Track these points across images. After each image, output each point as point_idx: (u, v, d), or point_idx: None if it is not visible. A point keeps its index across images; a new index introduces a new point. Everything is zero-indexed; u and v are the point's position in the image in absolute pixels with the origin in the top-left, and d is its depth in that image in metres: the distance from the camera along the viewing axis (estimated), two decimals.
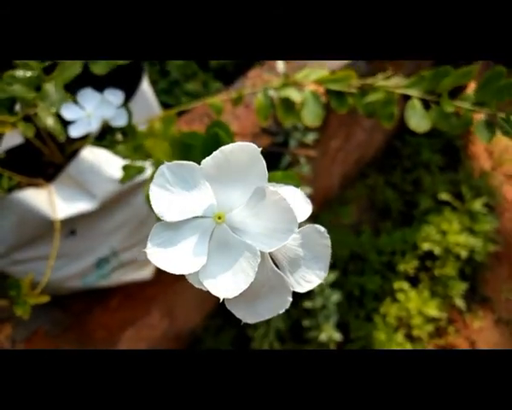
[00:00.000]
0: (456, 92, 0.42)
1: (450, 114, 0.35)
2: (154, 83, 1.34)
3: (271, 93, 0.42)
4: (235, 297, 0.12)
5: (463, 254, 1.18)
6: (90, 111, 0.30)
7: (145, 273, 0.64)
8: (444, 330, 1.16)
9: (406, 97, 0.41)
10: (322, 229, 0.13)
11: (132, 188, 0.56)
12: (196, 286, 0.15)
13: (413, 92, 0.37)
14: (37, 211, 0.51)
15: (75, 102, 0.31)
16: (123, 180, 0.40)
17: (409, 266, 1.18)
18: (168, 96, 1.33)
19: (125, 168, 0.40)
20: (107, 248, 0.58)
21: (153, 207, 0.14)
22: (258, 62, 1.42)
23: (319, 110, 0.40)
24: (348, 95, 0.39)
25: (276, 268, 0.14)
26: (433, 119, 0.35)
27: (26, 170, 0.56)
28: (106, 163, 0.53)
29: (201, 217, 0.14)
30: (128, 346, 0.82)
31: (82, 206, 0.52)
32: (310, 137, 0.90)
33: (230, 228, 0.13)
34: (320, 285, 0.93)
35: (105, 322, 0.73)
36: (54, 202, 0.50)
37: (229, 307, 0.13)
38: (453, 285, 1.17)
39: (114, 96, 0.31)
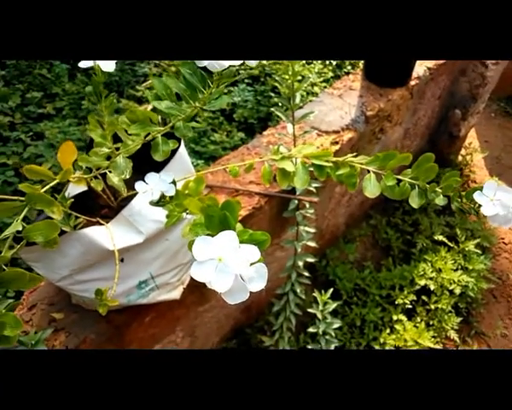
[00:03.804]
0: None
1: (393, 185, 0.50)
2: None
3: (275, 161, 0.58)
4: (224, 292, 0.29)
5: (457, 290, 1.29)
6: (153, 187, 0.47)
7: (175, 294, 0.79)
8: None
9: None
10: (264, 265, 0.29)
11: (169, 228, 0.73)
12: (208, 286, 0.31)
13: (370, 168, 0.52)
14: (98, 243, 0.68)
15: (144, 180, 0.48)
16: (167, 225, 0.56)
17: (406, 299, 1.30)
18: (197, 144, 1.52)
19: (168, 216, 0.56)
20: (146, 273, 0.74)
21: (193, 255, 0.30)
22: (273, 122, 1.61)
23: (306, 177, 0.55)
24: (326, 167, 0.55)
25: (242, 280, 0.29)
26: (382, 188, 0.51)
27: (87, 210, 0.74)
28: (150, 208, 0.70)
29: (212, 259, 0.30)
30: None
31: (131, 240, 0.68)
32: (314, 185, 1.05)
33: (223, 264, 0.29)
34: (322, 314, 1.06)
35: (139, 336, 0.88)
36: (112, 236, 0.66)
37: (222, 296, 0.29)
38: (447, 319, 1.27)
39: (167, 177, 0.48)
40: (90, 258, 0.69)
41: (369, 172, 0.53)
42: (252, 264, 0.29)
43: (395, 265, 1.42)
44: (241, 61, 0.37)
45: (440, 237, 1.40)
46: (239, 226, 0.38)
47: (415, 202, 0.47)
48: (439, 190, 0.45)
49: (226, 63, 0.32)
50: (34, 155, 1.40)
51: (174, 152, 0.73)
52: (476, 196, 0.40)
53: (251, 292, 0.30)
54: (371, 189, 0.50)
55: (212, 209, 0.33)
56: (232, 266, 0.28)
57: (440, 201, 0.45)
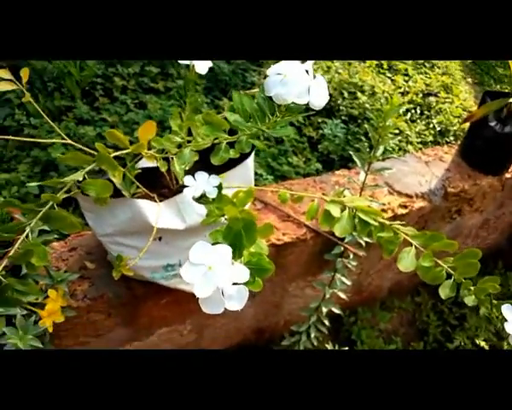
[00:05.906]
0: None
1: (429, 267, 0.48)
2: (268, 146, 1.57)
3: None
4: (203, 299, 0.30)
5: None
6: (199, 184, 0.51)
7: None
8: None
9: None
10: (245, 288, 0.30)
11: (211, 226, 0.76)
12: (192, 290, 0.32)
13: (414, 241, 0.50)
14: (145, 216, 0.72)
15: (193, 176, 0.52)
16: (203, 222, 0.59)
17: None
18: (274, 159, 1.55)
19: (206, 216, 0.59)
20: (176, 259, 0.77)
21: (189, 255, 0.32)
22: (353, 164, 1.59)
23: (348, 227, 0.55)
24: (371, 225, 0.54)
25: (222, 296, 0.30)
26: (417, 265, 0.49)
27: (149, 185, 0.79)
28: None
29: (204, 265, 0.31)
30: (157, 340, 0.99)
31: (174, 224, 0.72)
32: (365, 239, 1.02)
33: (211, 273, 0.30)
34: None
35: (151, 313, 0.91)
36: (159, 214, 0.71)
37: (200, 302, 0.30)
38: None
39: (214, 180, 0.51)
40: (134, 225, 0.74)
41: (411, 245, 0.51)
42: (235, 283, 0.30)
43: None
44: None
45: (483, 343, 1.28)
46: (260, 246, 0.39)
47: (444, 293, 0.45)
48: (472, 290, 0.43)
49: (290, 99, 0.34)
50: (132, 121, 1.50)
51: (242, 160, 0.76)
52: (504, 309, 0.37)
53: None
54: (406, 262, 0.49)
55: (234, 222, 0.35)
56: (217, 278, 0.29)
57: (470, 301, 0.42)
